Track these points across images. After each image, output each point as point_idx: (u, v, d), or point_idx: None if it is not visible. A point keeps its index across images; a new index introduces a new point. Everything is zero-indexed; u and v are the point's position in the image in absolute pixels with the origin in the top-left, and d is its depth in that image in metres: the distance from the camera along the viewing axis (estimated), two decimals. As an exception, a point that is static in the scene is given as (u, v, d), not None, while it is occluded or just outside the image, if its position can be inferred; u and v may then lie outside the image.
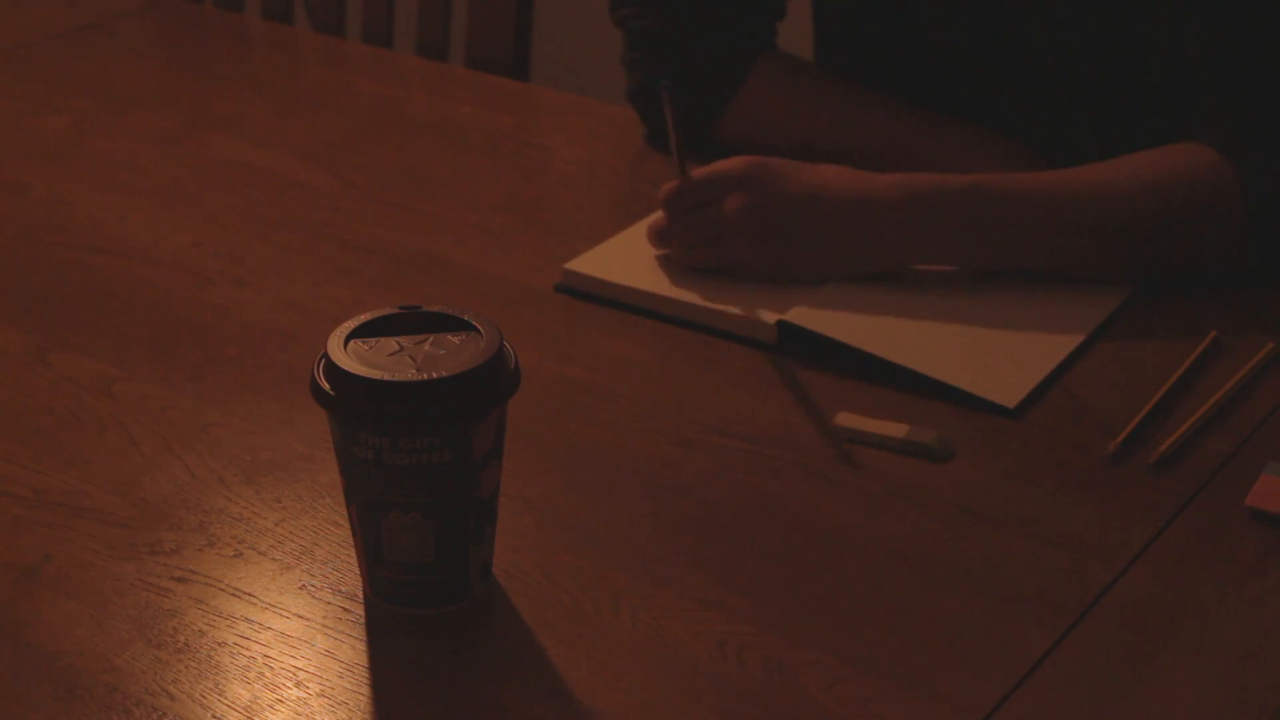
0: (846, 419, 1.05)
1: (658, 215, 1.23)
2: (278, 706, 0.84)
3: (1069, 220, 1.16)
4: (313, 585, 0.93)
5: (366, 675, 0.86)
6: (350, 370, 0.85)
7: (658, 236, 1.23)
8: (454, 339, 0.87)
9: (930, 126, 1.33)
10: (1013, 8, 1.30)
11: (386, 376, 0.84)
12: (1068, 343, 1.13)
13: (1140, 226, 1.16)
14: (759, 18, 1.41)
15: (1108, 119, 1.29)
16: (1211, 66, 1.21)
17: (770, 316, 1.14)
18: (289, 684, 0.86)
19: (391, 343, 0.87)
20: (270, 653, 0.88)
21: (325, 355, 0.86)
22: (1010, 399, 1.07)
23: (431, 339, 0.87)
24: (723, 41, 1.39)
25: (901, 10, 1.36)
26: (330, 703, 0.84)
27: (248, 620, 0.90)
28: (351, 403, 0.85)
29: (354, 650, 0.88)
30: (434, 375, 0.84)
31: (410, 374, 0.84)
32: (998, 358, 1.12)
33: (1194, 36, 1.21)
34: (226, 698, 0.85)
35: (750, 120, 1.38)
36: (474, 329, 0.88)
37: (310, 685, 0.86)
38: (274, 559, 0.95)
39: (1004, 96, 1.33)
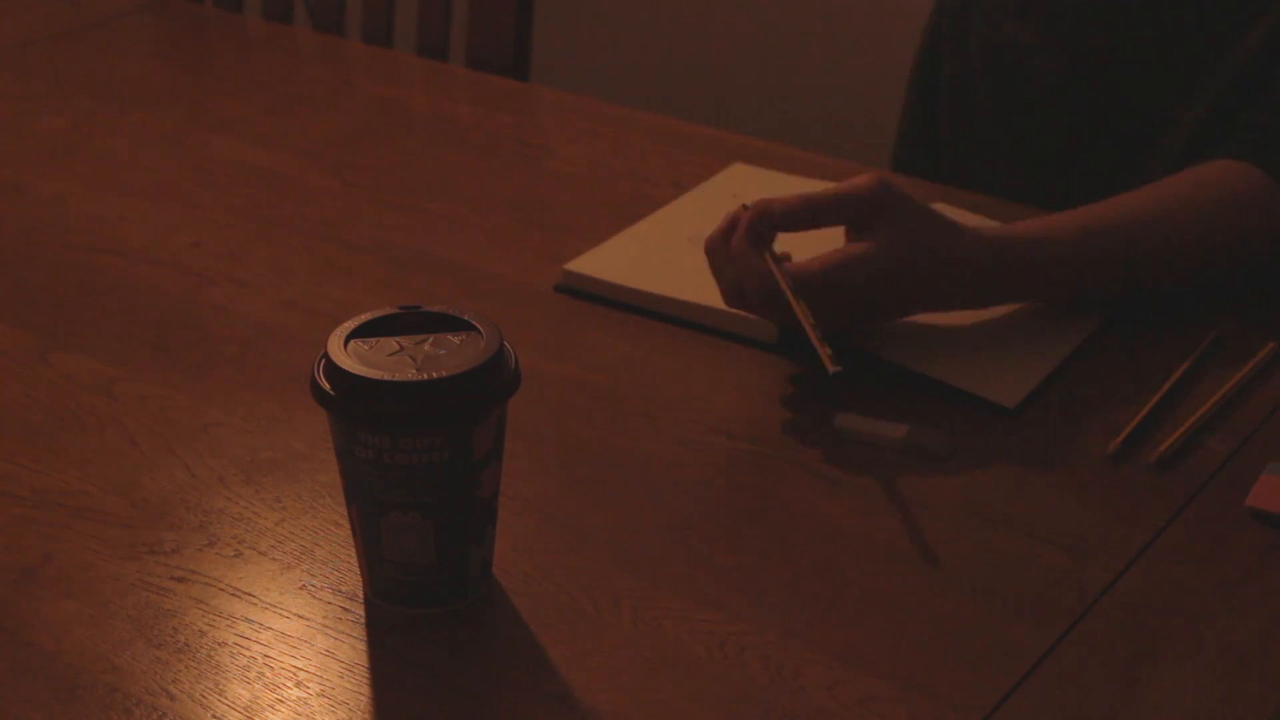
0: (846, 419, 1.05)
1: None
2: (278, 706, 0.84)
3: (1130, 253, 1.15)
4: (313, 585, 0.93)
5: (366, 675, 0.87)
6: (350, 370, 0.85)
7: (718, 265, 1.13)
8: (454, 339, 0.87)
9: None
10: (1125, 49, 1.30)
11: (386, 376, 0.84)
12: (1068, 342, 1.13)
13: (1196, 249, 1.16)
14: None
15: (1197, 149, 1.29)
16: (1251, 82, 1.21)
17: (770, 316, 1.14)
18: (289, 684, 0.86)
19: (391, 343, 0.87)
20: (270, 653, 0.88)
21: (325, 355, 0.86)
22: (1010, 399, 1.07)
23: (431, 339, 0.87)
24: None
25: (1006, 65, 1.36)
26: (330, 703, 0.84)
27: (248, 620, 0.90)
28: (351, 402, 0.85)
29: (354, 650, 0.88)
30: (434, 375, 0.84)
31: (410, 374, 0.84)
32: (998, 358, 1.12)
33: (1237, 53, 1.22)
34: (226, 698, 0.85)
35: None
36: (474, 329, 0.88)
37: (310, 685, 0.86)
38: (274, 559, 0.95)
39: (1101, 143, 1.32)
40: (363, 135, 1.52)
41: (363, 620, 0.90)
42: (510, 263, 1.27)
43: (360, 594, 0.92)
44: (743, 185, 1.34)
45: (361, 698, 0.85)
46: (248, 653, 0.88)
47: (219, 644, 0.89)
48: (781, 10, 1.84)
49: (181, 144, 1.51)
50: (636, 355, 1.15)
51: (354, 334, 0.88)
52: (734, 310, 1.15)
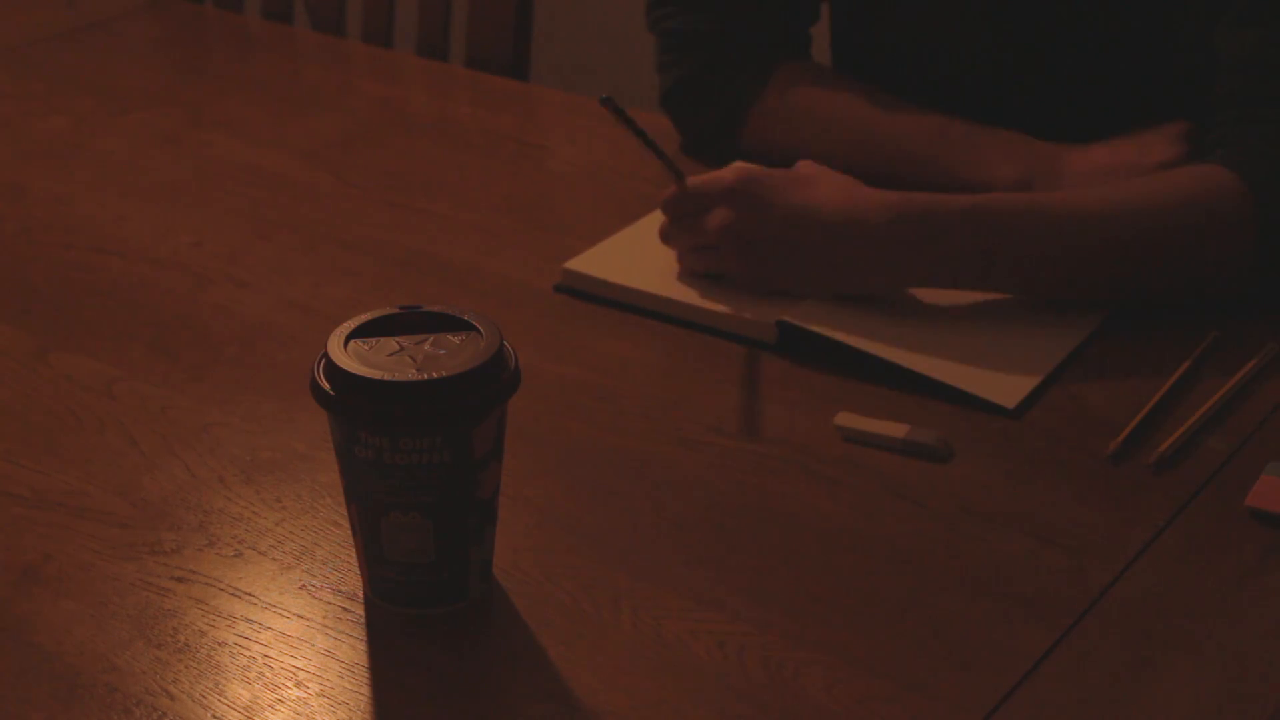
0: (846, 419, 1.05)
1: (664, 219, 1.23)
2: (278, 706, 0.84)
3: (1072, 243, 1.13)
4: (313, 585, 0.93)
5: (366, 675, 0.87)
6: (350, 370, 0.85)
7: (664, 239, 1.23)
8: (454, 339, 0.87)
9: (953, 133, 1.30)
10: (1039, 12, 1.29)
11: (386, 376, 0.84)
12: (1067, 343, 1.13)
13: (1145, 248, 1.13)
14: (789, 22, 1.41)
15: (1131, 122, 1.29)
16: (1229, 84, 1.19)
17: (770, 316, 1.14)
18: (289, 684, 0.86)
19: (391, 343, 0.87)
20: (270, 653, 0.88)
21: (325, 355, 0.86)
22: (1009, 399, 1.07)
23: (431, 339, 0.87)
24: (749, 44, 1.38)
25: (920, 14, 1.36)
26: (330, 703, 0.84)
27: (248, 620, 0.90)
28: (351, 403, 0.85)
29: (354, 650, 0.88)
30: (434, 375, 0.84)
31: (410, 374, 0.84)
32: (997, 358, 1.12)
33: (1214, 52, 1.21)
34: (226, 698, 0.85)
35: (772, 127, 1.37)
36: (474, 329, 0.88)
37: (310, 685, 0.86)
38: (274, 559, 0.95)
39: (1024, 100, 1.32)
40: (363, 135, 1.52)
41: (363, 620, 0.90)
42: (510, 263, 1.27)
43: (360, 594, 0.92)
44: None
45: (361, 698, 0.85)
46: (248, 653, 0.88)
47: (219, 644, 0.88)
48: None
49: (181, 144, 1.51)
50: (636, 355, 1.15)
51: (354, 334, 0.88)
52: (734, 310, 1.15)
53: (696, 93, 1.39)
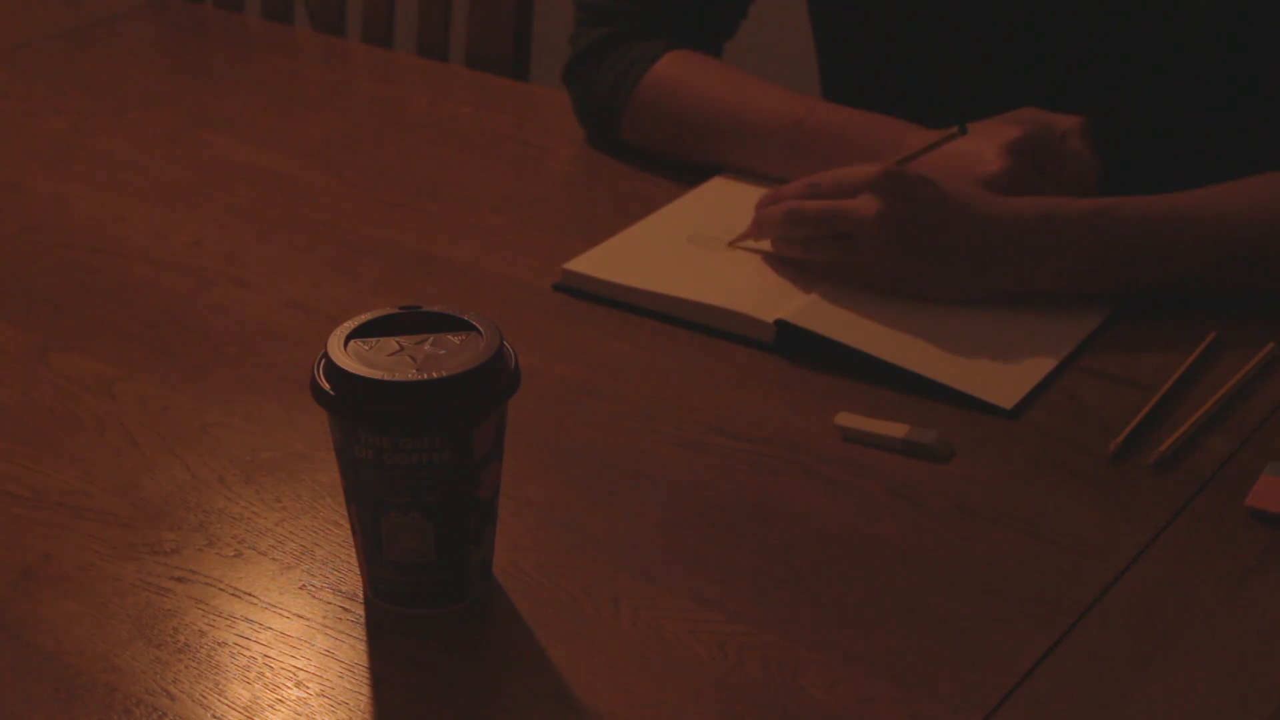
0: (846, 419, 1.05)
1: (769, 208, 1.21)
2: (278, 706, 0.84)
3: (1194, 243, 1.14)
4: (313, 585, 0.93)
5: (366, 675, 0.87)
6: (350, 370, 0.85)
7: (768, 226, 1.20)
8: (454, 339, 0.87)
9: (811, 121, 1.31)
10: (1014, 19, 1.30)
11: (386, 376, 0.84)
12: (1066, 343, 1.13)
13: (1265, 249, 1.15)
14: (703, 13, 1.43)
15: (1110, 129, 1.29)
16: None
17: (769, 316, 1.14)
18: (289, 684, 0.86)
19: (391, 343, 0.87)
20: (270, 653, 0.88)
21: (325, 355, 0.86)
22: (1007, 400, 1.07)
23: (431, 339, 0.87)
24: (655, 26, 1.41)
25: (900, 17, 1.36)
26: (330, 703, 0.84)
27: (248, 620, 0.90)
28: (351, 403, 0.85)
29: (354, 650, 0.88)
30: (434, 375, 0.84)
31: (410, 374, 0.84)
32: (996, 359, 1.12)
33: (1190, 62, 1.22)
34: (226, 698, 0.85)
35: (645, 107, 1.39)
36: (474, 329, 0.88)
37: (310, 685, 0.86)
38: (274, 559, 0.95)
39: (1005, 98, 1.33)
40: (363, 135, 1.52)
41: (363, 620, 0.90)
42: (510, 263, 1.27)
43: (360, 594, 0.92)
44: (744, 184, 1.34)
45: (361, 698, 0.85)
46: (248, 653, 0.88)
47: (219, 644, 0.89)
48: (780, 11, 1.84)
49: (181, 144, 1.51)
50: (636, 355, 1.15)
51: (354, 334, 0.88)
52: (733, 310, 1.15)
53: (591, 67, 1.42)
